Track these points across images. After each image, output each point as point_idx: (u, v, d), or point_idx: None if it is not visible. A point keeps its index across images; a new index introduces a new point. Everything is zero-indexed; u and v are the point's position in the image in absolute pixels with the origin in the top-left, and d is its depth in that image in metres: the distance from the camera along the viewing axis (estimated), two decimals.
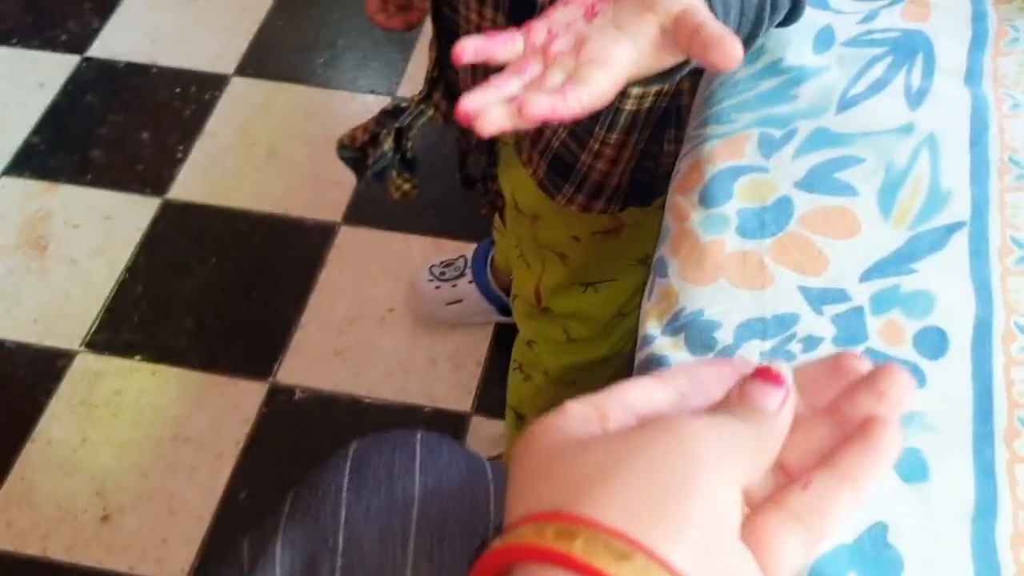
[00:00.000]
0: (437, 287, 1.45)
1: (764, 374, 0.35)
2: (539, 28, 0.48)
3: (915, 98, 0.70)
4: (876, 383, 0.36)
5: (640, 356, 0.61)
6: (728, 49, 0.44)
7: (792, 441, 0.35)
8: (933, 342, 0.58)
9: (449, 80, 0.89)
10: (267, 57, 1.86)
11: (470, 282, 1.44)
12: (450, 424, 1.38)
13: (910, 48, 0.74)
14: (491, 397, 1.40)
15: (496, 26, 0.79)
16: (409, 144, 0.93)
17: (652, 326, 0.61)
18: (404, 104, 0.90)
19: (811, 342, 0.58)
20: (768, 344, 0.58)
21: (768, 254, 0.62)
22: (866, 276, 0.61)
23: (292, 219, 1.62)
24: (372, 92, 1.80)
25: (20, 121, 1.76)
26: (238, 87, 1.82)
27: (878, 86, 0.71)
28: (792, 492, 0.33)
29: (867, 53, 0.73)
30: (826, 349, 0.58)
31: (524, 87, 0.47)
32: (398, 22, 1.01)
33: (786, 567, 0.32)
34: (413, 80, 1.79)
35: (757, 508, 0.33)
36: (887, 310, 0.59)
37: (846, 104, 0.70)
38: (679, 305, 0.61)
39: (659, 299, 0.63)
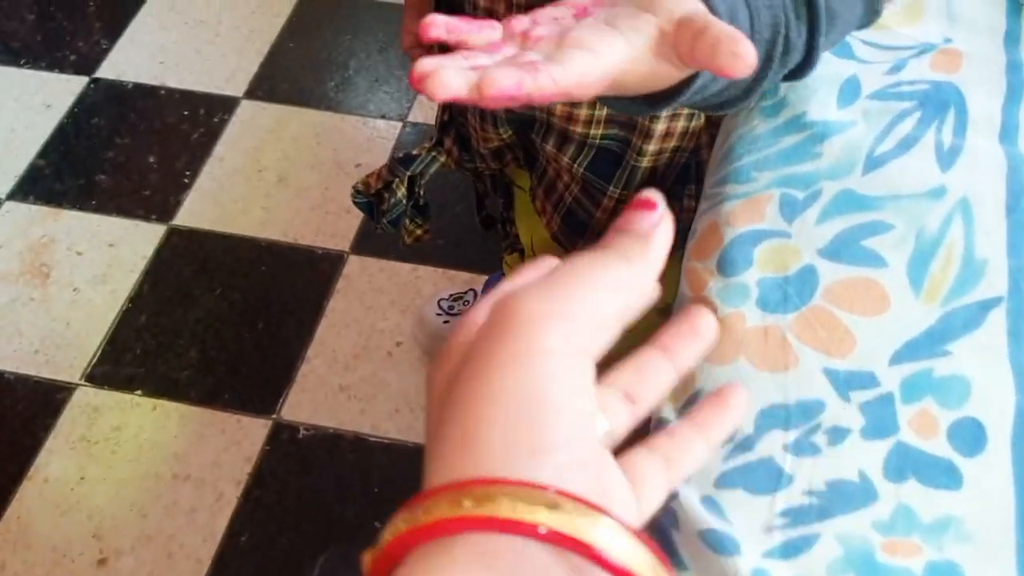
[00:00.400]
0: (446, 321, 1.42)
1: (637, 204, 0.33)
2: (521, 18, 0.41)
3: (947, 157, 0.66)
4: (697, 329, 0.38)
5: None
6: (739, 49, 0.36)
7: (641, 376, 0.36)
8: (969, 435, 0.53)
9: (460, 126, 0.85)
10: (277, 80, 1.83)
11: None
12: None
13: (941, 102, 0.69)
14: None
15: None
16: (421, 191, 0.90)
17: (667, 409, 0.57)
18: (415, 152, 0.87)
19: (837, 433, 0.54)
20: (791, 435, 0.54)
21: (791, 331, 0.58)
22: (896, 358, 0.56)
23: (300, 247, 1.59)
24: (383, 117, 1.77)
25: (27, 143, 1.73)
26: (247, 110, 1.79)
27: (907, 143, 0.67)
28: (660, 438, 0.35)
29: (895, 107, 0.69)
30: (854, 442, 0.54)
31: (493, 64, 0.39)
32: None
33: (654, 503, 0.34)
34: (424, 106, 1.76)
35: (629, 450, 0.35)
36: (919, 398, 0.55)
37: (873, 163, 0.66)
38: (696, 386, 0.57)
39: None
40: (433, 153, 0.88)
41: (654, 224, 0.33)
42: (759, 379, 0.56)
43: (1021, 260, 0.61)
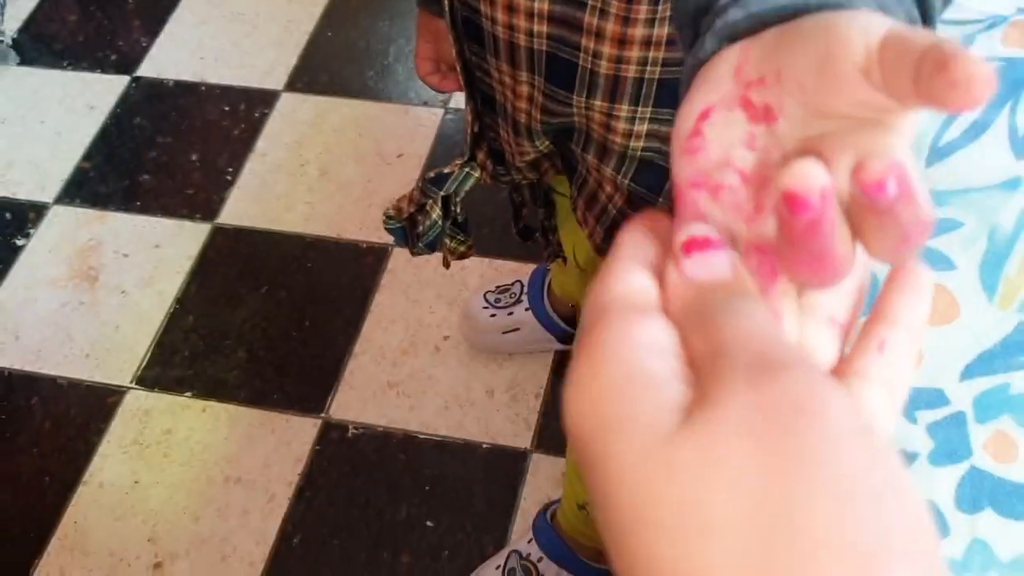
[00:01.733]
0: (493, 315, 1.38)
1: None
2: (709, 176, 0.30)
3: (1021, 145, 0.60)
4: None
5: None
6: (971, 72, 0.23)
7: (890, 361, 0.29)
8: None
9: (491, 140, 0.81)
10: (317, 71, 1.81)
11: (527, 309, 1.37)
12: (509, 463, 1.31)
13: (1014, 81, 0.64)
14: (552, 432, 1.33)
15: (533, 90, 0.71)
16: (458, 208, 0.86)
17: None
18: (446, 170, 0.83)
19: (904, 458, 0.49)
20: None
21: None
22: (968, 373, 0.52)
23: (345, 242, 1.57)
24: (425, 104, 1.73)
25: (72, 146, 1.73)
26: (288, 103, 1.77)
27: (976, 130, 0.62)
28: (870, 358, 0.28)
29: None
30: (922, 468, 0.49)
31: None
32: (452, 84, 0.95)
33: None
34: None
35: (847, 382, 0.28)
36: (995, 417, 0.50)
37: (938, 154, 0.61)
38: None
39: None
40: (466, 169, 0.84)
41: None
42: None
43: None
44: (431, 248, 0.90)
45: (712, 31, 0.31)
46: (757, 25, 0.30)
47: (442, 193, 0.84)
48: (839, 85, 0.26)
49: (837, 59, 0.26)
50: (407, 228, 0.88)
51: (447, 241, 0.90)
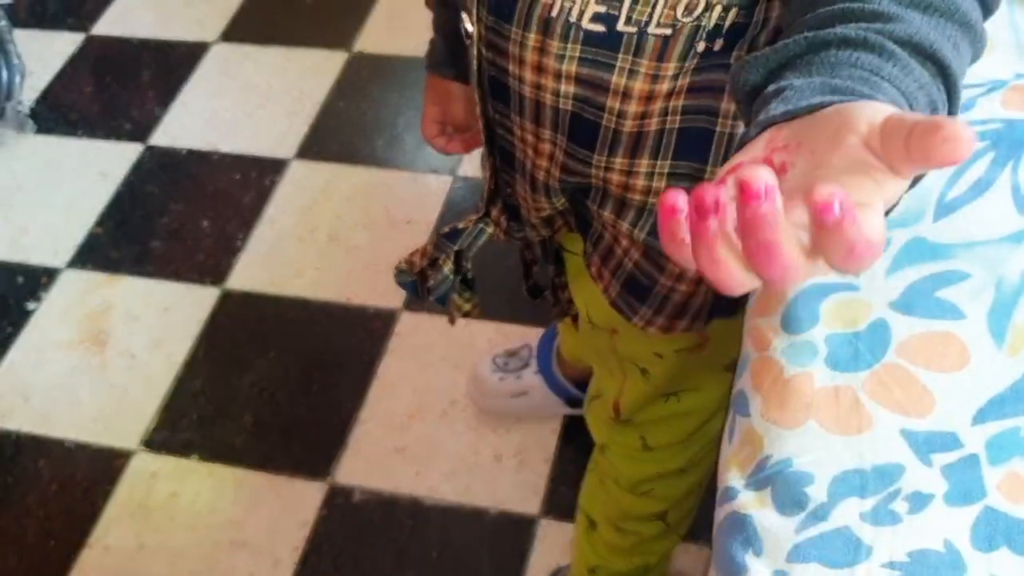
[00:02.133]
0: (501, 378, 1.39)
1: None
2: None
3: None
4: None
5: (721, 512, 0.54)
6: (955, 132, 0.31)
7: None
8: None
9: (507, 196, 0.83)
10: (327, 139, 1.84)
11: (536, 373, 1.38)
12: (517, 529, 1.31)
13: (1015, 141, 0.66)
14: (560, 498, 1.32)
15: (555, 148, 0.73)
16: (469, 264, 0.88)
17: (734, 477, 0.54)
18: (461, 225, 0.85)
19: (919, 500, 0.50)
20: (869, 503, 0.50)
21: (864, 390, 0.55)
22: (980, 417, 0.53)
23: (353, 307, 1.58)
24: (434, 172, 1.77)
25: (85, 212, 1.76)
26: (298, 171, 1.80)
27: (981, 187, 0.64)
28: None
29: None
30: (937, 508, 0.50)
31: None
32: (457, 147, 0.97)
33: None
34: (474, 160, 1.74)
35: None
36: (1007, 459, 0.51)
37: (945, 209, 0.63)
38: (764, 452, 0.54)
39: (741, 443, 0.56)
40: (480, 225, 0.86)
41: None
42: (831, 443, 0.53)
43: None
44: (440, 302, 0.91)
45: (756, 122, 0.40)
46: (791, 118, 0.39)
47: (456, 248, 0.86)
48: (841, 148, 0.36)
49: (844, 131, 0.36)
50: (418, 282, 0.90)
51: (455, 297, 0.92)
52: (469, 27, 0.71)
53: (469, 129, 0.96)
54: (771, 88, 0.43)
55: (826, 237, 0.32)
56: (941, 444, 0.52)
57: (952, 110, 0.45)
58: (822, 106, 0.39)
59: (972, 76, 0.71)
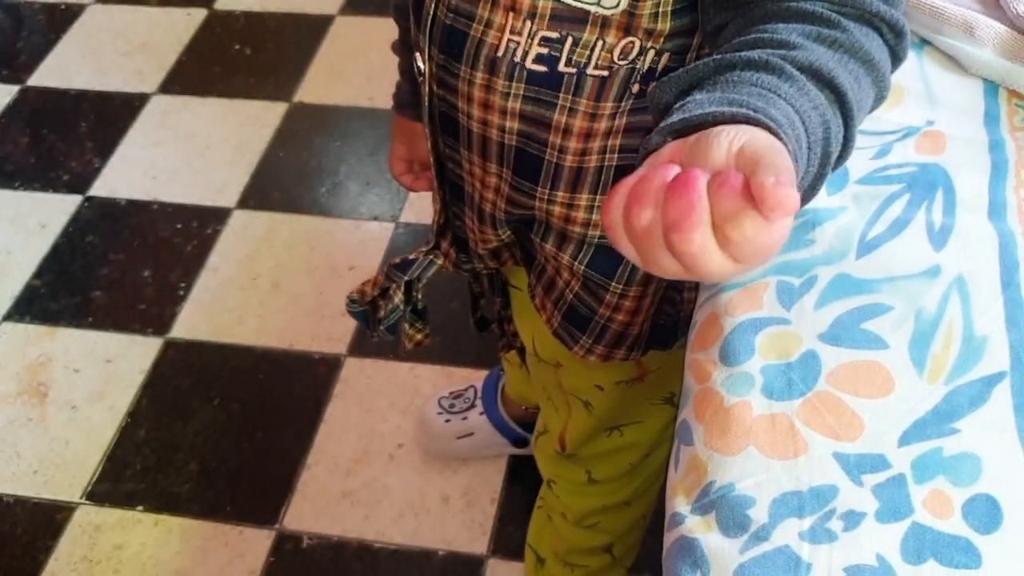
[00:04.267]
0: (447, 420, 1.41)
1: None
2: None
3: (939, 237, 0.67)
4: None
5: (670, 537, 0.57)
6: (777, 197, 0.38)
7: None
8: (984, 513, 0.53)
9: (457, 228, 0.86)
10: (269, 188, 1.86)
11: (481, 413, 1.40)
12: (466, 569, 1.32)
13: (928, 183, 0.71)
14: (507, 537, 1.34)
15: (500, 181, 0.77)
16: (419, 295, 0.91)
17: (681, 503, 0.57)
18: (412, 256, 0.88)
19: (852, 518, 0.54)
20: (807, 522, 0.54)
21: (798, 417, 0.58)
22: (905, 439, 0.57)
23: (297, 353, 1.59)
24: (375, 219, 1.79)
25: (22, 265, 1.74)
26: (240, 220, 1.81)
27: (899, 225, 0.68)
28: None
29: (884, 191, 0.71)
30: (870, 526, 0.53)
31: None
32: (423, 184, 1.00)
33: None
34: (415, 206, 1.78)
35: None
36: (931, 477, 0.55)
37: (867, 247, 0.67)
38: (708, 478, 0.57)
39: (686, 471, 0.59)
40: (430, 256, 0.89)
41: None
42: (771, 467, 0.56)
43: (1020, 334, 0.61)
44: (391, 332, 0.93)
45: (656, 129, 0.46)
46: (687, 128, 0.45)
47: (406, 278, 0.88)
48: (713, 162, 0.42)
49: (710, 155, 0.42)
50: (369, 312, 0.92)
51: (406, 327, 0.94)
52: (421, 65, 0.74)
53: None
54: (677, 104, 0.48)
55: (720, 198, 0.39)
56: (871, 465, 0.56)
57: (848, 133, 0.51)
58: (715, 115, 0.44)
59: (887, 124, 0.76)
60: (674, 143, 0.45)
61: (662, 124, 0.46)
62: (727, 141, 0.42)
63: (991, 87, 0.78)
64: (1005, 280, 0.64)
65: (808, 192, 0.50)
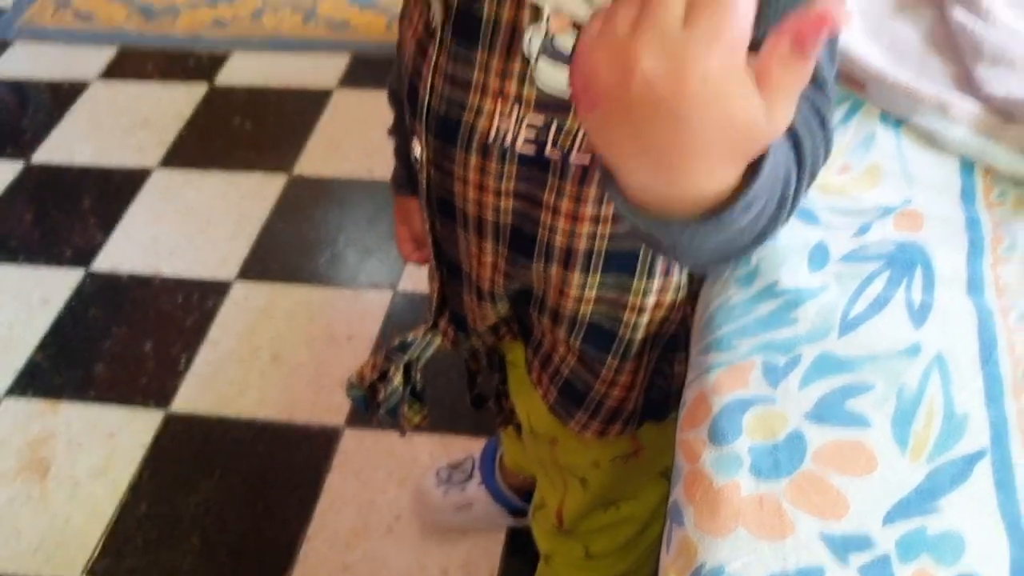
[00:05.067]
0: (445, 492, 1.41)
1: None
2: None
3: (918, 315, 0.69)
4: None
5: None
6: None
7: None
8: None
9: (455, 307, 0.88)
10: (269, 260, 1.88)
11: (479, 484, 1.41)
12: None
13: (907, 261, 0.73)
14: None
15: (497, 257, 0.79)
16: (418, 375, 0.92)
17: None
18: (410, 337, 0.90)
19: None
20: None
21: (785, 497, 0.60)
22: (889, 518, 0.58)
23: (296, 426, 1.60)
24: (375, 287, 1.81)
25: (25, 340, 1.76)
26: (240, 292, 1.83)
27: (879, 304, 0.70)
28: None
29: (864, 269, 0.73)
30: None
31: None
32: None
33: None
34: (414, 275, 1.80)
35: None
36: (916, 556, 0.56)
37: (848, 326, 0.69)
38: (698, 560, 0.58)
39: (677, 552, 0.60)
40: (429, 336, 0.91)
41: None
42: (759, 548, 0.57)
43: (1000, 411, 0.63)
44: (391, 415, 0.94)
45: None
46: None
47: (406, 358, 0.90)
48: None
49: None
50: (368, 395, 0.94)
51: (405, 409, 0.95)
52: (418, 152, 0.77)
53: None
54: None
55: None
56: (856, 545, 0.57)
57: (798, 187, 0.52)
58: None
59: (866, 202, 0.78)
60: None
61: None
62: None
63: (967, 164, 0.80)
64: (984, 356, 0.66)
65: (761, 235, 0.52)
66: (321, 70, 2.27)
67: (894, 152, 0.81)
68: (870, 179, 0.79)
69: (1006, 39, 0.83)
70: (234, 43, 2.35)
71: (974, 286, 0.71)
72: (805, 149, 0.52)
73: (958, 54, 0.85)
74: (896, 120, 0.84)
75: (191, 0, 2.47)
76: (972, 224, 0.76)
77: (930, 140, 0.82)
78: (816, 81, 0.57)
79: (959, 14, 0.86)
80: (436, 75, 0.71)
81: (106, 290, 1.85)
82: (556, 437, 0.90)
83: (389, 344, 0.92)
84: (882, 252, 0.74)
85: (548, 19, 0.64)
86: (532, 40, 0.65)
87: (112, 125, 2.20)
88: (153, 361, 1.71)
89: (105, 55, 2.37)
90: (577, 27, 0.64)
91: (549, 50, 0.65)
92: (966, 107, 0.80)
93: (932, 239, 0.74)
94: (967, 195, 0.78)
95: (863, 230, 0.76)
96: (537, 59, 0.66)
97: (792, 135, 0.52)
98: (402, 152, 0.98)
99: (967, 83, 0.84)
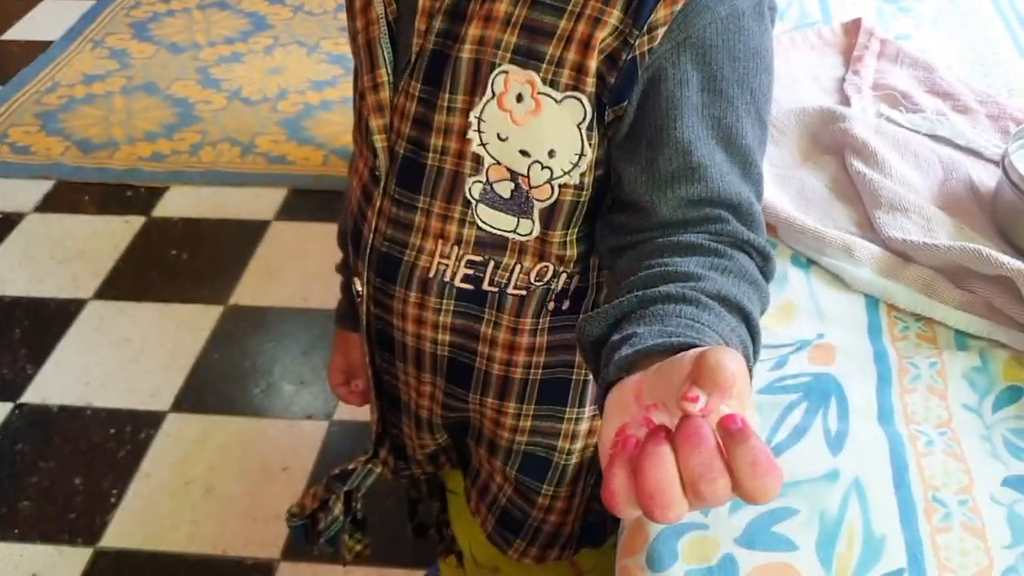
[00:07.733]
0: None
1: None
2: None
3: (835, 443, 0.74)
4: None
5: None
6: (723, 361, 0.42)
7: None
8: None
9: (395, 436, 0.91)
10: (203, 391, 1.88)
11: None
12: None
13: (822, 392, 0.79)
14: None
15: (435, 389, 0.82)
16: (359, 505, 0.94)
17: None
18: (351, 466, 0.92)
19: None
20: None
21: None
22: None
23: (230, 560, 1.58)
24: (309, 418, 1.82)
25: None
26: (173, 423, 1.82)
27: (799, 432, 0.76)
28: None
29: (783, 400, 0.78)
30: None
31: None
32: (356, 399, 1.05)
33: None
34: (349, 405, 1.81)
35: None
36: None
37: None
38: None
39: None
40: (369, 465, 0.93)
41: None
42: None
43: (914, 532, 0.68)
44: (332, 544, 0.96)
45: (613, 363, 0.50)
46: (643, 358, 0.49)
47: (345, 488, 0.92)
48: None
49: (675, 378, 0.44)
50: (309, 525, 0.95)
51: (345, 538, 0.97)
52: (358, 287, 0.81)
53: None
54: (616, 337, 0.53)
55: (734, 447, 0.42)
56: None
57: (755, 347, 0.58)
58: (661, 346, 0.49)
59: (782, 337, 0.85)
60: (636, 377, 0.48)
61: (617, 358, 0.50)
62: (689, 362, 0.44)
63: (872, 302, 0.87)
64: (897, 481, 0.71)
65: None
66: (259, 202, 2.31)
67: (806, 290, 0.88)
68: (785, 315, 0.86)
69: (900, 188, 0.91)
70: (172, 176, 2.39)
71: (884, 415, 0.77)
72: (754, 319, 0.57)
73: (859, 201, 0.94)
74: (807, 261, 0.91)
75: (129, 134, 2.52)
76: (880, 357, 0.82)
77: (838, 279, 0.89)
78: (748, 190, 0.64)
79: (859, 165, 0.95)
80: (380, 218, 0.76)
81: (35, 423, 1.82)
82: (498, 566, 0.92)
83: (329, 474, 0.94)
84: (799, 383, 0.79)
85: (488, 169, 0.70)
86: (472, 188, 0.71)
87: (46, 257, 2.20)
88: (83, 496, 1.69)
89: (42, 188, 2.39)
90: (513, 176, 0.70)
91: (489, 196, 0.71)
92: (869, 249, 0.88)
93: (844, 371, 0.80)
94: (874, 330, 0.85)
95: (780, 363, 0.82)
96: (477, 205, 0.71)
97: (741, 313, 0.57)
98: (347, 288, 1.02)
99: (869, 227, 0.92)
